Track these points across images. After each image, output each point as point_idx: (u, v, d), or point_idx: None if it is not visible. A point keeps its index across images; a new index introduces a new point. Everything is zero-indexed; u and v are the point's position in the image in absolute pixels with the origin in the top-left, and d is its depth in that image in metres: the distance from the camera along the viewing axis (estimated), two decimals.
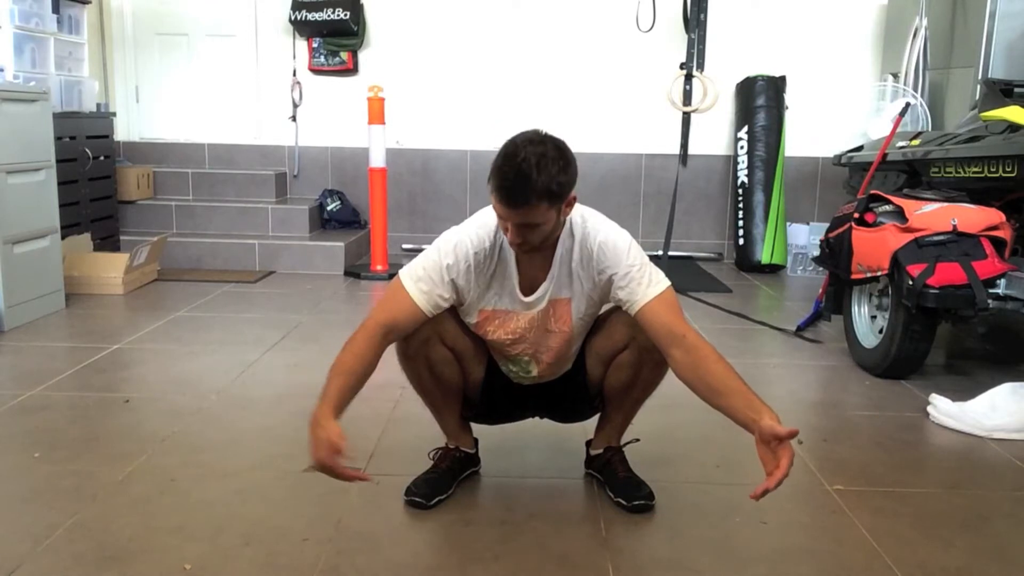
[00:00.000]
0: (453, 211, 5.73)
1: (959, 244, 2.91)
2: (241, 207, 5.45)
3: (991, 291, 2.91)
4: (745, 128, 5.56)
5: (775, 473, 1.67)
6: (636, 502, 2.11)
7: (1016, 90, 3.49)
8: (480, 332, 2.07)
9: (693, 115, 5.60)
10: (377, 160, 5.01)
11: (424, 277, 1.94)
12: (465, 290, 1.98)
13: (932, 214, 2.98)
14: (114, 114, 5.40)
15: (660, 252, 5.13)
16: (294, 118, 5.89)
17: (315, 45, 5.78)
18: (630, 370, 2.08)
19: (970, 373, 3.36)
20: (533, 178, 1.75)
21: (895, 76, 5.08)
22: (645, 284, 1.91)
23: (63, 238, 4.20)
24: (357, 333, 1.92)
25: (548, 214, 1.82)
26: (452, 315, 2.04)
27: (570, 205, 1.89)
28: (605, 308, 2.08)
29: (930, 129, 4.61)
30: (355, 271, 5.11)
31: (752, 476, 2.35)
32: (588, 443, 2.32)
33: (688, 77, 5.46)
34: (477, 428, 2.32)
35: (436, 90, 5.80)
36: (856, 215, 3.26)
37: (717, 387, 1.81)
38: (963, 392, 2.91)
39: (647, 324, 1.92)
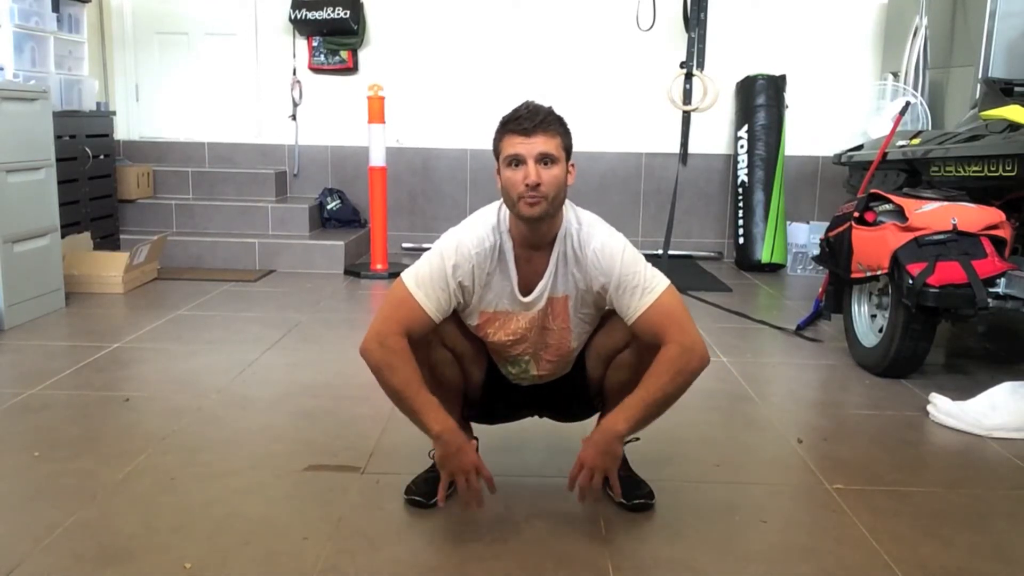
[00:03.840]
0: (453, 210, 5.73)
1: (959, 243, 2.91)
2: (241, 206, 5.45)
3: (991, 290, 2.91)
4: (745, 127, 5.56)
5: (572, 472, 1.90)
6: (636, 501, 2.11)
7: (1016, 89, 3.49)
8: (481, 334, 2.07)
9: (693, 114, 5.59)
10: (377, 159, 5.01)
11: (430, 283, 1.93)
12: (470, 290, 1.98)
13: (932, 213, 2.98)
14: (114, 113, 5.40)
15: (660, 251, 5.12)
16: (294, 117, 5.89)
17: (315, 44, 5.78)
18: (630, 370, 2.08)
19: (970, 372, 3.36)
20: (545, 108, 1.91)
21: (895, 75, 5.08)
22: (638, 296, 1.91)
23: (63, 237, 4.20)
24: (389, 353, 1.88)
25: (560, 152, 1.88)
26: (452, 316, 2.03)
27: (572, 174, 1.93)
28: (606, 308, 2.08)
29: (930, 128, 4.61)
30: (355, 270, 5.11)
31: (752, 475, 2.35)
32: None
33: (688, 76, 5.46)
34: (477, 427, 2.32)
35: (436, 89, 5.80)
36: (856, 214, 3.26)
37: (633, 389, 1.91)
38: (963, 391, 2.91)
39: (640, 336, 1.95)
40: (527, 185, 1.84)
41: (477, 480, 1.91)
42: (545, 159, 1.85)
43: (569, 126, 1.93)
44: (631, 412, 1.86)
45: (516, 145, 1.86)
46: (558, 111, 1.93)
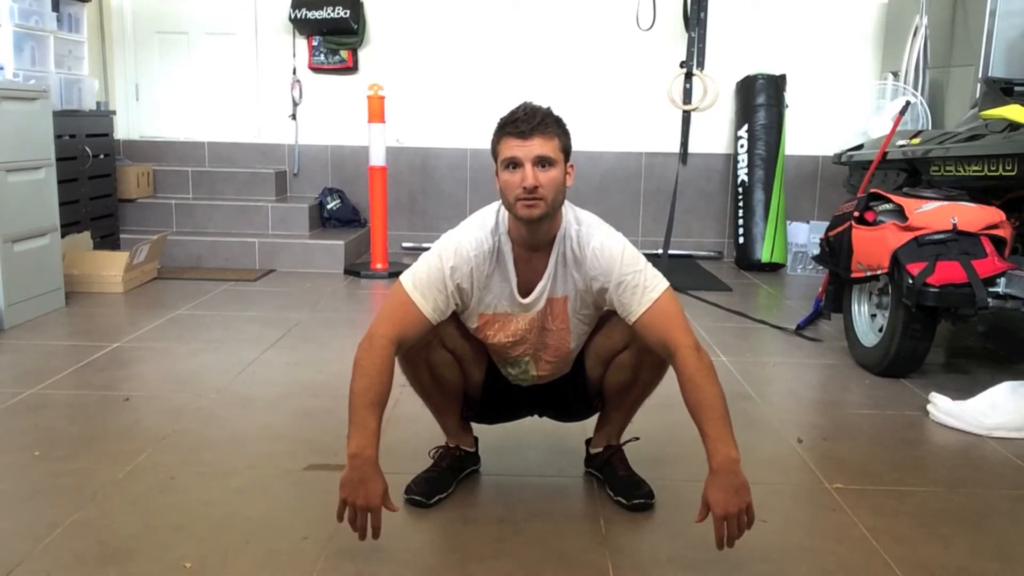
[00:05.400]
0: (453, 210, 5.74)
1: (959, 243, 2.91)
2: (241, 205, 5.45)
3: (991, 290, 2.91)
4: (745, 127, 5.56)
5: (716, 531, 1.77)
6: (636, 501, 2.11)
7: (1016, 89, 3.49)
8: (481, 336, 2.07)
9: (693, 113, 5.59)
10: (377, 158, 5.01)
11: (428, 285, 1.92)
12: (468, 292, 1.97)
13: (932, 213, 2.98)
14: (114, 112, 5.40)
15: (660, 251, 5.13)
16: (294, 116, 5.88)
17: (315, 43, 5.77)
18: (629, 371, 2.08)
19: (970, 372, 3.36)
20: (543, 109, 1.89)
21: (895, 74, 5.08)
22: (639, 295, 1.89)
23: (63, 236, 4.20)
24: (370, 353, 1.85)
25: (558, 154, 1.86)
26: (453, 318, 2.02)
27: (571, 175, 1.91)
28: (605, 309, 2.08)
29: (930, 127, 4.61)
30: (355, 269, 5.11)
31: (752, 475, 2.35)
32: (588, 441, 2.32)
33: (688, 75, 5.45)
34: (477, 427, 2.33)
35: (436, 88, 5.80)
36: (856, 214, 3.26)
37: (694, 415, 1.82)
38: (963, 391, 2.91)
39: (643, 336, 1.93)
40: (524, 188, 1.83)
41: (372, 519, 1.79)
42: (542, 162, 1.84)
43: (568, 126, 1.92)
44: (724, 430, 1.78)
45: (513, 148, 1.85)
46: (557, 111, 1.92)
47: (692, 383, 1.81)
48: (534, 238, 1.94)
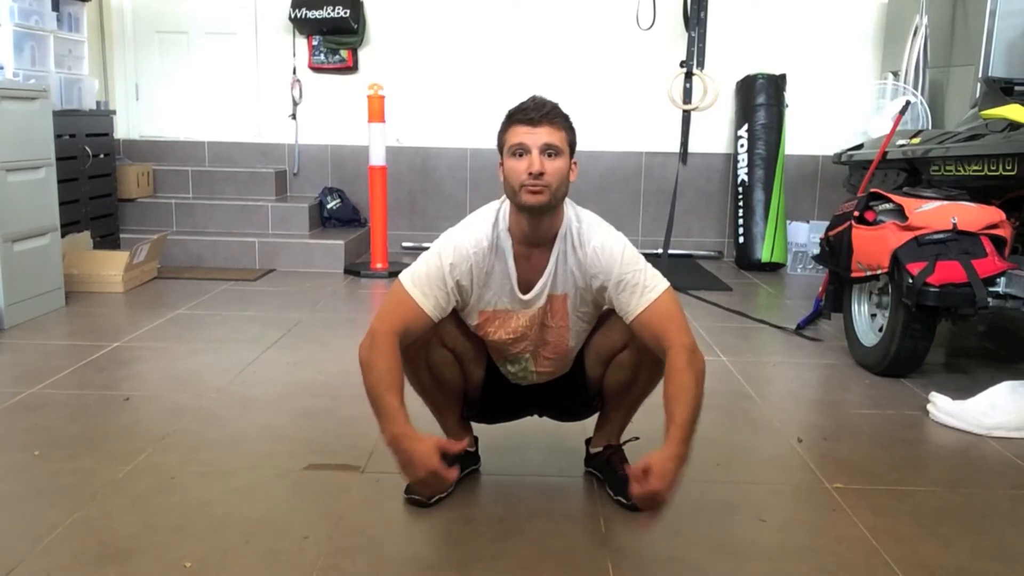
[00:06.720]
0: (453, 209, 5.73)
1: (959, 242, 2.91)
2: (241, 205, 5.44)
3: (991, 289, 2.91)
4: (745, 126, 5.56)
5: (637, 491, 1.73)
6: None
7: (1016, 88, 3.49)
8: (481, 333, 2.07)
9: (693, 113, 5.59)
10: (377, 158, 5.01)
11: (428, 282, 1.93)
12: (468, 290, 1.98)
13: (932, 212, 2.98)
14: (114, 112, 5.39)
15: (660, 251, 5.13)
16: (294, 116, 5.88)
17: (315, 43, 5.77)
18: (629, 370, 2.08)
19: (970, 371, 3.36)
20: (551, 102, 1.91)
21: (895, 74, 5.08)
22: (638, 294, 1.90)
23: (63, 236, 4.20)
24: (374, 349, 1.85)
25: (565, 145, 1.88)
26: (452, 316, 2.03)
27: (574, 170, 1.93)
28: (605, 308, 2.08)
29: (930, 127, 4.61)
30: (355, 269, 5.11)
31: (752, 474, 2.35)
32: (588, 441, 2.32)
33: (688, 75, 5.45)
34: (477, 427, 2.33)
35: (436, 88, 5.80)
36: (856, 213, 3.26)
37: (666, 405, 1.81)
38: (963, 390, 2.91)
39: (640, 335, 1.94)
40: (530, 174, 1.84)
41: (443, 475, 1.77)
42: (549, 150, 1.86)
43: (574, 128, 1.94)
44: (686, 429, 1.76)
45: (521, 135, 1.87)
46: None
47: (678, 377, 1.80)
48: (535, 233, 1.94)
